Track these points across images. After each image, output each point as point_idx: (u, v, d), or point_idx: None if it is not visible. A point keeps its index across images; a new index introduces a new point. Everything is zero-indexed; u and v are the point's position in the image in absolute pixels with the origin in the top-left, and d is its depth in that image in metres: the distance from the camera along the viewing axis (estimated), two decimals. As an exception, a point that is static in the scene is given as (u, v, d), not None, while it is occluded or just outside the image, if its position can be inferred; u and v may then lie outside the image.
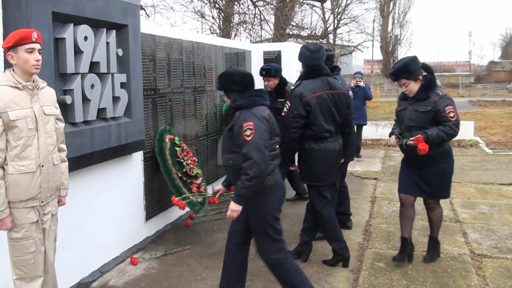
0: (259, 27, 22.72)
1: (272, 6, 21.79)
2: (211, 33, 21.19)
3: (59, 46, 4.09)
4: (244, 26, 22.47)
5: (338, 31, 31.09)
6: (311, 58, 4.76)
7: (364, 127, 11.10)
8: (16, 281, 3.37)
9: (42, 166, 3.30)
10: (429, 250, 5.06)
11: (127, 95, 4.94)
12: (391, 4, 54.12)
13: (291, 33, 24.52)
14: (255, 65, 9.57)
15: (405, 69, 4.59)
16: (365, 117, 10.92)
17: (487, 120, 20.26)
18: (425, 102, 4.58)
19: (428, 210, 5.01)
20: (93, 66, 4.49)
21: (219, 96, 7.88)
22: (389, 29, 53.95)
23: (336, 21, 30.24)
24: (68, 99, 4.12)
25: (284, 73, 9.47)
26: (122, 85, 4.88)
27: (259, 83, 9.20)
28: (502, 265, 4.89)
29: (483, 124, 18.37)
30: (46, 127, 3.33)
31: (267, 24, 23.29)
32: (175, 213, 6.35)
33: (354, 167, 9.59)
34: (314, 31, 26.98)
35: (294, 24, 25.41)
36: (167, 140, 5.82)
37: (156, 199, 5.86)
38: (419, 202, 6.89)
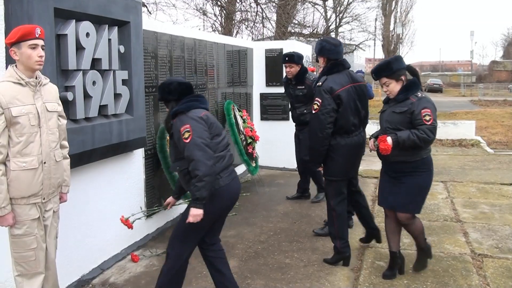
0: (261, 25, 22.68)
1: (274, 4, 21.75)
2: (213, 30, 21.17)
3: (60, 43, 4.08)
4: (246, 23, 22.43)
5: (340, 29, 31.02)
6: (336, 52, 4.83)
7: (365, 125, 11.07)
8: (17, 278, 3.37)
9: (44, 162, 3.29)
10: (419, 258, 4.74)
11: (128, 92, 4.93)
12: (393, 2, 54.00)
13: (293, 31, 24.51)
14: (257, 63, 9.57)
15: (387, 67, 4.37)
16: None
17: (488, 119, 20.24)
18: (403, 104, 4.29)
19: (402, 226, 4.60)
20: (95, 63, 4.48)
21: (220, 93, 7.88)
22: (391, 27, 53.86)
23: (338, 20, 30.20)
24: (69, 95, 4.12)
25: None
26: (124, 82, 4.87)
27: (259, 78, 9.21)
28: (503, 265, 4.89)
29: (484, 124, 18.36)
30: (48, 124, 3.33)
31: (269, 22, 23.26)
32: (175, 210, 6.35)
33: (355, 165, 9.58)
34: (316, 29, 26.96)
35: (296, 22, 25.39)
36: (168, 137, 5.81)
37: (156, 196, 5.85)
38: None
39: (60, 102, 3.52)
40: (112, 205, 5.00)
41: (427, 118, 4.18)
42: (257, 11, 21.41)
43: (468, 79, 61.91)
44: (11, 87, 3.18)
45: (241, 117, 8.04)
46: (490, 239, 5.58)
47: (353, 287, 4.48)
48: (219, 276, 3.97)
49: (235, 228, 6.08)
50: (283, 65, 7.09)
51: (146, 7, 17.86)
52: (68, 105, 4.13)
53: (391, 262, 4.65)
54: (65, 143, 3.62)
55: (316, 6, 26.89)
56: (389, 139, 4.23)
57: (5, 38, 3.43)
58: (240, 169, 8.90)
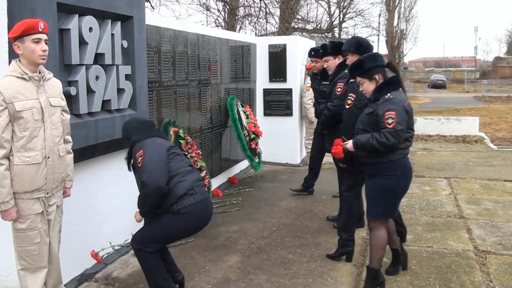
0: (264, 20, 22.68)
1: (277, 0, 21.73)
2: (216, 26, 21.16)
3: (64, 37, 4.07)
4: (249, 19, 22.43)
5: (344, 25, 30.96)
6: (371, 50, 4.92)
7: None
8: (20, 272, 3.38)
9: (48, 157, 3.30)
10: (366, 282, 4.30)
11: (131, 87, 4.92)
12: (397, -2, 53.86)
13: (296, 26, 24.47)
14: (260, 59, 9.56)
15: (359, 66, 4.24)
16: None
17: (492, 116, 20.21)
18: (373, 104, 4.12)
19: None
20: (98, 58, 4.47)
21: (223, 89, 7.87)
22: (395, 23, 53.73)
23: (341, 15, 30.11)
24: (72, 90, 4.11)
25: (289, 67, 9.50)
26: (127, 77, 4.87)
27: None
28: (506, 261, 4.88)
29: (488, 120, 18.33)
30: (52, 119, 3.33)
31: (273, 17, 23.24)
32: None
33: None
34: (319, 25, 26.89)
35: (300, 17, 25.34)
36: (171, 132, 5.82)
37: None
38: (424, 197, 6.89)
39: (63, 97, 3.52)
40: (115, 200, 5.00)
41: (390, 121, 3.95)
42: (261, 6, 21.40)
43: (472, 75, 61.82)
44: (14, 81, 3.18)
45: (244, 112, 8.05)
46: (493, 236, 5.56)
47: (356, 282, 4.48)
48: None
49: (238, 224, 6.08)
50: (310, 59, 7.06)
51: (149, 2, 17.89)
52: (71, 100, 4.12)
53: (394, 258, 4.62)
54: (69, 138, 3.62)
55: (319, 1, 26.87)
56: (350, 143, 4.23)
57: (8, 33, 3.43)
58: (243, 164, 8.91)
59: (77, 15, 4.15)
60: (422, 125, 13.68)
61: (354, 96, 4.71)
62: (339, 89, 5.27)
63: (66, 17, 4.09)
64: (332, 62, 5.87)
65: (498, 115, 20.39)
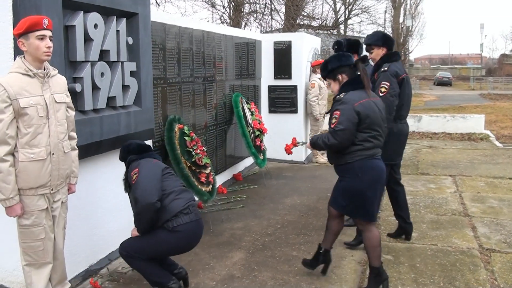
0: (270, 17, 22.66)
1: (283, -4, 21.72)
2: (221, 22, 21.16)
3: (69, 34, 4.08)
4: (255, 15, 22.42)
5: (349, 21, 30.87)
6: (394, 44, 5.11)
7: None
8: (25, 267, 3.40)
9: (53, 154, 3.30)
10: (369, 280, 4.26)
11: (136, 83, 4.93)
12: (403, -5, 53.64)
13: (301, 23, 24.45)
14: (265, 55, 9.55)
15: (324, 67, 4.29)
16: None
17: (497, 113, 20.14)
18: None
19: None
20: (103, 54, 4.48)
21: (228, 86, 7.87)
22: (401, 20, 53.48)
23: (347, 12, 30.04)
24: (77, 87, 4.12)
25: (294, 64, 9.49)
26: (132, 74, 4.87)
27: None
28: (511, 260, 4.86)
29: (493, 118, 18.26)
30: (57, 115, 3.34)
31: (278, 14, 23.23)
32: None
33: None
34: (325, 22, 26.86)
35: (305, 14, 25.31)
36: (176, 129, 5.82)
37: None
38: (429, 195, 6.88)
39: (68, 94, 3.53)
40: (120, 196, 5.00)
41: (333, 121, 4.01)
42: (266, 3, 21.39)
43: (477, 72, 61.58)
44: (19, 78, 3.19)
45: (249, 109, 8.04)
46: (498, 234, 5.55)
47: (360, 280, 4.48)
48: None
49: (242, 221, 6.08)
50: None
51: (155, -2, 17.87)
52: (76, 96, 4.13)
53: (315, 254, 4.54)
54: (74, 134, 3.63)
55: (325, -2, 26.80)
56: (308, 141, 4.43)
57: (13, 29, 3.44)
58: (248, 161, 8.91)
59: (82, 11, 4.15)
60: (427, 122, 13.65)
61: (389, 84, 4.85)
62: None
63: (71, 13, 4.09)
64: None
65: (504, 113, 20.31)
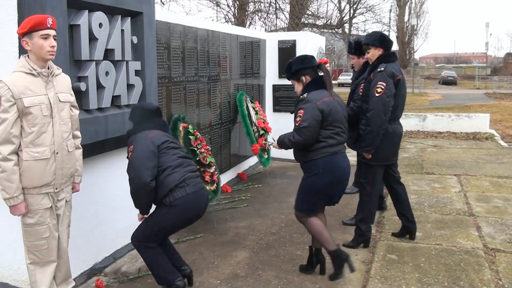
0: (274, 15, 22.65)
1: (287, -5, 21.70)
2: (226, 21, 21.16)
3: (73, 33, 4.08)
4: (259, 14, 22.41)
5: (354, 20, 30.86)
6: (392, 44, 5.10)
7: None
8: (29, 266, 3.41)
9: (57, 153, 3.31)
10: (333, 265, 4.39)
11: (141, 83, 4.93)
12: (408, -7, 53.49)
13: (306, 22, 24.42)
14: (270, 54, 9.54)
15: (288, 69, 4.44)
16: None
17: (503, 113, 20.05)
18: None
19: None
20: (108, 54, 4.49)
21: (233, 85, 7.87)
22: (406, 19, 53.38)
23: (352, 11, 30.03)
24: (82, 86, 4.13)
25: (299, 63, 9.45)
26: (137, 73, 4.88)
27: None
28: (516, 259, 4.85)
29: (498, 117, 18.19)
30: (61, 114, 3.35)
31: (282, 13, 23.22)
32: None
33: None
34: (329, 21, 26.83)
35: (310, 13, 25.28)
36: (181, 128, 5.83)
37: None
38: (434, 194, 6.86)
39: (72, 92, 3.53)
40: (124, 195, 5.00)
41: (297, 119, 4.18)
42: (271, 2, 21.38)
43: (482, 71, 61.37)
44: (23, 77, 3.19)
45: (254, 108, 8.05)
46: (503, 234, 5.53)
47: (364, 279, 4.47)
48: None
49: (246, 220, 6.09)
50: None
51: (160, -3, 17.89)
52: (81, 95, 4.14)
53: (309, 257, 4.63)
54: (78, 133, 3.64)
55: (330, -3, 26.77)
56: (276, 141, 4.51)
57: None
58: (252, 160, 8.91)
59: (87, 11, 4.16)
60: (432, 122, 13.62)
61: (385, 84, 4.84)
62: (362, 90, 5.34)
63: (76, 13, 4.10)
64: (356, 61, 6.08)
65: (509, 112, 20.22)
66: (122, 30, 4.64)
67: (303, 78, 4.35)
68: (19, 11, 3.60)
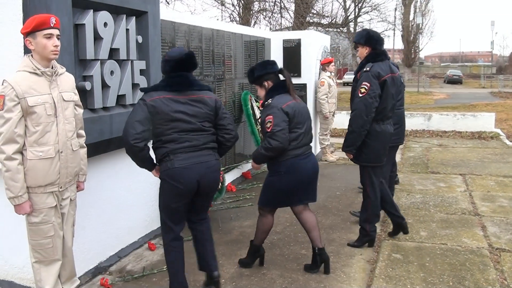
0: (279, 15, 22.65)
1: (292, -6, 21.68)
2: (230, 20, 21.17)
3: (78, 32, 4.09)
4: (264, 14, 22.41)
5: (359, 19, 30.84)
6: (381, 43, 5.06)
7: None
8: (34, 264, 3.42)
9: (61, 152, 3.32)
10: (248, 254, 4.77)
11: (146, 82, 4.94)
12: (413, -8, 53.38)
13: (311, 21, 24.40)
14: (274, 54, 9.53)
15: (250, 74, 4.50)
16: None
17: (508, 112, 19.99)
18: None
19: None
20: (113, 53, 4.49)
21: (237, 84, 7.87)
22: (411, 17, 53.29)
23: (357, 9, 29.99)
24: (87, 85, 4.13)
25: (304, 62, 9.47)
26: (142, 72, 4.89)
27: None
28: (521, 259, 4.84)
29: (504, 116, 18.13)
30: (65, 113, 3.35)
31: (287, 12, 23.21)
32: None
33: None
34: (334, 20, 26.79)
35: (315, 12, 25.26)
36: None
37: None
38: (439, 194, 6.84)
39: (76, 92, 3.54)
40: (129, 194, 5.03)
41: (268, 125, 4.21)
42: (275, 1, 21.37)
43: (488, 70, 61.24)
44: (27, 77, 3.20)
45: (258, 108, 8.04)
46: (508, 233, 5.52)
47: (369, 279, 4.47)
48: (199, 249, 4.16)
49: (251, 219, 6.08)
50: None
51: (165, -3, 17.91)
52: (86, 94, 4.15)
53: (313, 257, 4.64)
54: (82, 132, 3.65)
55: (335, -5, 26.74)
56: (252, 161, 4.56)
57: (21, 28, 3.45)
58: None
59: (92, 10, 4.16)
60: (437, 121, 13.59)
61: (369, 85, 4.81)
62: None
63: (81, 12, 4.11)
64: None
65: (515, 111, 20.16)
66: (127, 30, 4.65)
67: (266, 84, 4.42)
68: (24, 11, 3.61)
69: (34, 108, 3.18)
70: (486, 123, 13.22)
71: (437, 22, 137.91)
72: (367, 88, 4.81)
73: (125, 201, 4.95)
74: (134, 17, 4.76)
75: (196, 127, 3.76)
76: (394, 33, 46.57)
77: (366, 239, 5.16)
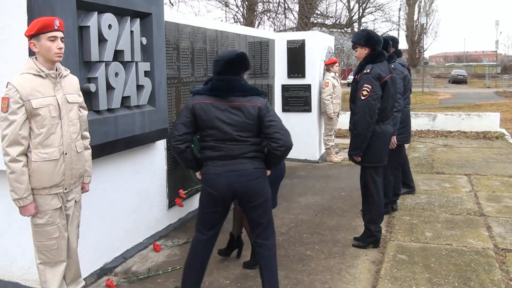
0: (283, 15, 22.65)
1: (296, -5, 21.68)
2: (235, 22, 21.18)
3: (83, 34, 4.10)
4: (268, 14, 22.41)
5: (363, 19, 30.69)
6: (380, 43, 5.06)
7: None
8: (39, 266, 3.43)
9: (66, 153, 3.33)
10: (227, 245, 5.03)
11: (151, 83, 4.95)
12: (418, -8, 53.26)
13: (315, 21, 24.36)
14: (279, 54, 9.54)
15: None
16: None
17: (513, 111, 19.93)
18: None
19: None
20: (117, 55, 4.50)
21: (242, 85, 7.86)
22: (415, 17, 53.17)
23: (361, 10, 29.87)
24: (92, 87, 4.14)
25: (308, 62, 9.47)
26: (146, 74, 4.89)
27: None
28: (527, 260, 4.82)
29: (509, 116, 18.08)
30: (69, 115, 3.36)
31: (291, 12, 23.20)
32: (197, 201, 6.37)
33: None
34: (338, 20, 26.75)
35: (319, 12, 25.24)
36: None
37: (178, 187, 5.88)
38: (444, 194, 6.83)
39: (80, 93, 3.55)
40: (134, 196, 5.04)
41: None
42: (279, 2, 21.37)
43: (493, 70, 61.03)
44: (31, 79, 3.21)
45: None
46: (514, 233, 5.50)
47: (374, 279, 4.46)
48: (261, 274, 3.89)
49: (256, 220, 6.08)
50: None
51: (169, -2, 17.93)
52: (90, 96, 4.16)
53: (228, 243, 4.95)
54: (86, 133, 3.65)
55: (338, -4, 26.71)
56: None
57: (26, 31, 3.47)
58: (261, 160, 8.89)
59: (96, 12, 4.18)
60: (442, 121, 13.56)
61: (370, 87, 4.82)
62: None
63: (86, 14, 4.12)
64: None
65: (520, 111, 20.11)
66: (132, 31, 4.66)
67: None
68: (28, 14, 3.62)
69: (39, 110, 3.19)
70: (491, 123, 13.18)
71: (441, 22, 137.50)
72: (369, 90, 4.82)
73: (130, 203, 4.96)
74: (139, 19, 4.77)
75: (230, 137, 3.61)
76: (398, 33, 46.49)
77: (371, 239, 5.15)
